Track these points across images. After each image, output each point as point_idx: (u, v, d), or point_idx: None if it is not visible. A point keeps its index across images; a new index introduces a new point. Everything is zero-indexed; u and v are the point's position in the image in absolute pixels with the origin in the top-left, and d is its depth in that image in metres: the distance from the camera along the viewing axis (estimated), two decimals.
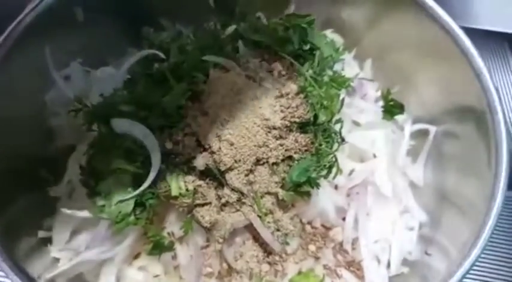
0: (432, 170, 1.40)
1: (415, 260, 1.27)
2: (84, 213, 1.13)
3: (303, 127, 1.15)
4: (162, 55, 1.24)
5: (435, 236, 1.26)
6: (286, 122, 1.12)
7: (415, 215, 1.33)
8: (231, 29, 1.31)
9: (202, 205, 1.11)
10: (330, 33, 1.49)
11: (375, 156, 1.29)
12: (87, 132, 1.18)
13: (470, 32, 1.26)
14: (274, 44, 1.25)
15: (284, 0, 1.54)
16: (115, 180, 1.08)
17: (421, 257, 1.26)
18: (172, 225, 1.15)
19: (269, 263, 1.14)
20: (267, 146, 1.10)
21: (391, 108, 1.44)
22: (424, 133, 1.41)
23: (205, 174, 1.12)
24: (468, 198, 1.21)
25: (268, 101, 1.13)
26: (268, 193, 1.11)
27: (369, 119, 1.36)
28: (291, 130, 1.14)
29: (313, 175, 1.10)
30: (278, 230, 1.12)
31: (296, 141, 1.13)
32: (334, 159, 1.14)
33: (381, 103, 1.46)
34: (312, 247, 1.18)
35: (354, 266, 1.21)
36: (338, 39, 1.50)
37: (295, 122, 1.13)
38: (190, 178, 1.10)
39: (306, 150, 1.13)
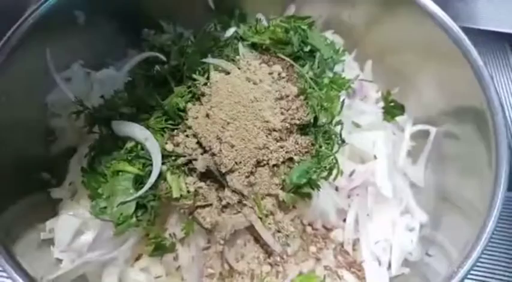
0: (432, 170, 1.40)
1: (416, 260, 1.27)
2: (87, 215, 1.14)
3: (303, 129, 1.16)
4: (162, 57, 1.24)
5: (436, 236, 1.27)
6: (287, 124, 1.12)
7: (416, 215, 1.34)
8: (230, 31, 1.32)
9: (204, 207, 1.11)
10: (330, 35, 1.49)
11: (375, 157, 1.29)
12: (88, 134, 1.19)
13: (470, 33, 1.26)
14: (274, 45, 1.26)
15: (284, 1, 1.55)
16: (116, 182, 1.09)
17: (422, 257, 1.26)
18: (174, 227, 1.15)
19: (270, 264, 1.14)
20: (268, 148, 1.10)
21: (392, 110, 1.44)
22: (424, 134, 1.41)
23: (206, 176, 1.13)
24: (468, 198, 1.22)
25: (268, 103, 1.13)
26: (269, 195, 1.12)
27: (369, 120, 1.36)
28: (291, 132, 1.14)
29: (314, 177, 1.11)
30: (279, 231, 1.13)
31: (296, 143, 1.13)
32: (334, 161, 1.14)
33: (381, 104, 1.47)
34: (312, 248, 1.18)
35: (355, 267, 1.21)
36: (338, 41, 1.51)
37: (295, 124, 1.14)
38: (191, 180, 1.11)
39: (306, 152, 1.13)
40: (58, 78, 1.28)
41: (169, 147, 1.11)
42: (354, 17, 1.52)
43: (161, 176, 1.10)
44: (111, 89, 1.22)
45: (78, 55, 1.39)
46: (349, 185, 1.25)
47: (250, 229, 1.13)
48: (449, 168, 1.35)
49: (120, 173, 1.10)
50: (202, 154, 1.11)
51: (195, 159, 1.10)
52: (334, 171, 1.14)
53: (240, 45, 1.26)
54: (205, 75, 1.18)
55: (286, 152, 1.12)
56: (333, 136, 1.17)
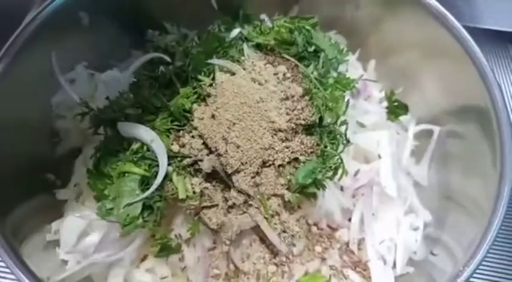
0: (436, 170, 1.40)
1: (421, 259, 1.27)
2: (92, 216, 1.14)
3: (308, 129, 1.16)
4: (167, 58, 1.24)
5: (440, 236, 1.27)
6: (292, 124, 1.13)
7: (420, 214, 1.34)
8: (235, 31, 1.32)
9: (209, 207, 1.11)
10: (333, 35, 1.50)
11: (379, 156, 1.29)
12: (93, 135, 1.19)
13: (472, 32, 1.27)
14: (279, 46, 1.26)
15: (287, 2, 1.55)
16: (123, 183, 1.09)
17: (427, 257, 1.26)
18: (180, 228, 1.16)
19: (276, 264, 1.14)
20: (273, 148, 1.11)
21: (395, 109, 1.45)
22: (428, 133, 1.42)
23: (212, 176, 1.13)
24: (473, 197, 1.22)
25: (273, 104, 1.13)
26: (275, 195, 1.12)
27: (373, 120, 1.37)
28: (296, 132, 1.15)
29: (319, 177, 1.11)
30: (284, 231, 1.13)
31: (302, 143, 1.13)
32: (339, 161, 1.14)
33: (385, 104, 1.47)
34: (318, 248, 1.18)
35: (360, 267, 1.21)
36: (342, 40, 1.51)
37: (300, 124, 1.14)
38: (197, 180, 1.11)
39: (311, 152, 1.14)
40: (63, 80, 1.28)
41: (175, 148, 1.11)
42: (357, 17, 1.52)
43: (167, 177, 1.10)
44: (115, 90, 1.21)
45: (82, 56, 1.40)
46: (354, 184, 1.25)
47: (256, 229, 1.13)
48: (453, 167, 1.36)
49: (126, 174, 1.10)
50: (208, 155, 1.11)
51: (201, 160, 1.10)
52: (340, 171, 1.14)
53: (244, 46, 1.26)
54: (211, 76, 1.19)
55: (292, 152, 1.12)
56: (338, 136, 1.18)
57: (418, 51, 1.43)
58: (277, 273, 1.14)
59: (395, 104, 1.46)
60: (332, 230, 1.24)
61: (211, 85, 1.17)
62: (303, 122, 1.14)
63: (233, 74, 1.19)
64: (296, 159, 1.13)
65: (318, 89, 1.19)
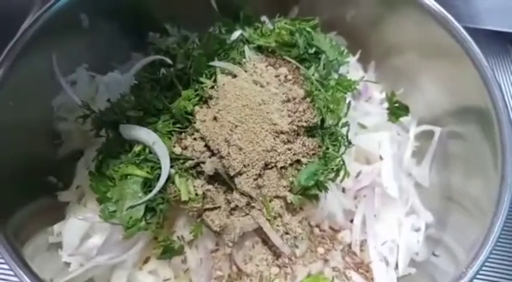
0: (437, 171, 1.41)
1: (423, 260, 1.28)
2: (95, 219, 1.14)
3: (310, 131, 1.16)
4: (168, 60, 1.24)
5: (442, 237, 1.27)
6: (294, 127, 1.13)
7: (421, 215, 1.35)
8: (236, 34, 1.32)
9: (212, 209, 1.11)
10: (334, 36, 1.50)
11: (381, 158, 1.29)
12: (95, 138, 1.19)
13: (472, 33, 1.27)
14: (280, 48, 1.26)
15: (287, 3, 1.55)
16: (125, 185, 1.09)
17: (429, 258, 1.27)
18: (182, 230, 1.16)
19: (278, 266, 1.14)
20: (275, 150, 1.11)
21: (396, 110, 1.45)
22: (429, 134, 1.42)
23: (214, 178, 1.13)
24: (474, 198, 1.22)
25: (275, 106, 1.14)
26: (277, 197, 1.12)
27: (374, 121, 1.37)
28: (298, 134, 1.15)
29: (321, 178, 1.11)
30: (287, 233, 1.13)
31: (304, 145, 1.14)
32: (341, 162, 1.15)
33: (386, 105, 1.47)
34: (320, 250, 1.18)
35: (363, 268, 1.21)
36: (342, 42, 1.51)
37: (302, 126, 1.14)
38: (199, 183, 1.11)
39: (313, 154, 1.14)
40: (64, 82, 1.28)
41: (177, 150, 1.11)
42: (357, 18, 1.53)
43: (169, 179, 1.10)
44: (116, 93, 1.22)
45: (83, 59, 1.40)
46: (356, 186, 1.25)
47: (259, 231, 1.13)
48: (454, 168, 1.36)
49: (129, 177, 1.10)
50: (210, 157, 1.11)
51: (203, 162, 1.11)
52: (341, 173, 1.15)
53: (246, 48, 1.26)
54: (212, 78, 1.19)
55: (294, 154, 1.12)
56: (340, 138, 1.18)
57: (418, 52, 1.44)
58: (280, 275, 1.14)
59: (396, 105, 1.46)
60: (334, 232, 1.24)
61: (212, 87, 1.17)
62: (304, 124, 1.14)
63: (234, 76, 1.19)
64: (298, 161, 1.13)
65: (319, 90, 1.19)
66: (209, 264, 1.14)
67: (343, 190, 1.25)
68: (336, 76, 1.29)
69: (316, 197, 1.14)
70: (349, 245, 1.24)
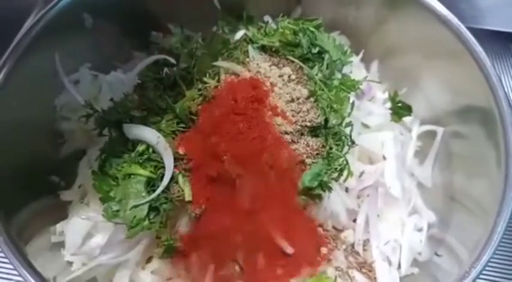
0: (440, 170, 1.41)
1: (425, 260, 1.28)
2: (97, 218, 1.14)
3: (313, 131, 1.17)
4: (172, 60, 1.24)
5: (445, 236, 1.27)
6: (298, 127, 1.13)
7: (424, 215, 1.35)
8: (240, 33, 1.32)
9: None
10: (337, 35, 1.50)
11: (384, 158, 1.29)
12: (98, 137, 1.19)
13: (474, 32, 1.27)
14: (284, 48, 1.26)
15: (290, 3, 1.55)
16: (129, 185, 1.09)
17: (431, 257, 1.27)
18: (185, 229, 1.15)
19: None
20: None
21: (399, 110, 1.45)
22: (431, 134, 1.42)
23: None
24: (477, 198, 1.22)
25: (279, 106, 1.14)
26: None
27: (377, 121, 1.37)
28: (302, 134, 1.15)
29: (325, 179, 1.11)
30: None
31: (307, 145, 1.14)
32: (345, 162, 1.15)
33: (389, 105, 1.47)
34: (323, 249, 1.18)
35: (366, 268, 1.22)
36: (345, 41, 1.51)
37: (306, 126, 1.14)
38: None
39: (317, 154, 1.14)
40: (67, 82, 1.28)
41: (180, 150, 1.11)
42: (360, 18, 1.53)
43: (173, 178, 1.10)
44: (119, 92, 1.21)
45: (86, 58, 1.40)
46: (359, 185, 1.25)
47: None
48: (456, 168, 1.36)
49: (132, 176, 1.10)
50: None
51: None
52: (345, 173, 1.15)
53: (249, 47, 1.26)
54: (216, 78, 1.19)
55: (298, 155, 1.12)
56: (343, 137, 1.18)
57: (420, 52, 1.43)
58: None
59: (399, 105, 1.46)
60: (337, 231, 1.24)
61: (216, 87, 1.17)
62: (308, 124, 1.14)
63: (238, 76, 1.19)
64: (302, 162, 1.13)
65: (323, 90, 1.19)
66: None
67: (347, 190, 1.25)
68: (339, 76, 1.28)
69: (319, 197, 1.14)
70: (352, 245, 1.24)
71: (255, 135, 1.09)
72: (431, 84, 1.43)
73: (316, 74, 1.22)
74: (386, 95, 1.50)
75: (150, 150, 1.12)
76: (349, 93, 1.25)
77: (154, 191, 1.09)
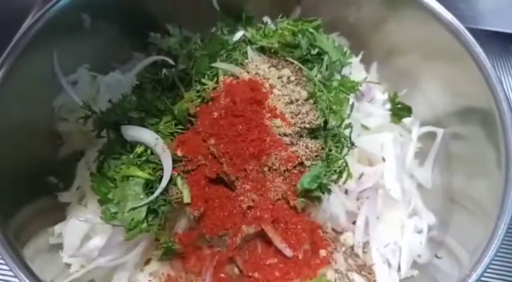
0: (440, 172, 1.40)
1: (425, 262, 1.28)
2: (96, 220, 1.14)
3: (313, 133, 1.16)
4: (170, 61, 1.24)
5: (445, 238, 1.27)
6: (297, 128, 1.12)
7: (424, 217, 1.34)
8: (238, 34, 1.31)
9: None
10: (336, 36, 1.49)
11: (383, 159, 1.29)
12: (96, 138, 1.18)
13: (473, 33, 1.26)
14: (283, 49, 1.25)
15: (289, 3, 1.55)
16: (127, 187, 1.08)
17: (431, 260, 1.26)
18: (183, 231, 1.15)
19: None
20: (278, 153, 1.10)
21: (399, 111, 1.45)
22: (431, 135, 1.42)
23: (217, 181, 1.12)
24: (478, 200, 1.22)
25: (278, 108, 1.13)
26: (280, 199, 1.11)
27: (377, 122, 1.37)
28: (301, 136, 1.14)
29: (325, 181, 1.10)
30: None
31: (306, 147, 1.13)
32: (344, 164, 1.14)
33: (388, 106, 1.46)
34: (323, 252, 1.17)
35: (365, 270, 1.21)
36: (344, 42, 1.51)
37: (305, 127, 1.14)
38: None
39: (316, 156, 1.13)
40: (64, 82, 1.27)
41: (179, 152, 1.10)
42: (359, 19, 1.52)
43: (171, 180, 1.09)
44: (118, 93, 1.21)
45: (84, 59, 1.39)
46: (358, 187, 1.25)
47: (261, 233, 1.12)
48: (456, 169, 1.36)
49: (130, 178, 1.09)
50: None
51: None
52: (344, 175, 1.14)
53: (248, 48, 1.25)
54: (215, 80, 1.18)
55: (297, 157, 1.11)
56: (343, 139, 1.18)
57: (420, 53, 1.43)
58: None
59: (399, 106, 1.45)
60: (337, 234, 1.24)
61: (215, 89, 1.16)
62: (307, 126, 1.13)
63: (237, 77, 1.19)
64: (301, 164, 1.12)
65: (322, 92, 1.19)
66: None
67: (346, 192, 1.24)
68: (338, 77, 1.28)
69: (318, 199, 1.13)
70: (352, 247, 1.23)
71: (253, 137, 1.09)
72: (431, 85, 1.43)
73: (316, 76, 1.21)
74: (385, 96, 1.49)
75: (149, 151, 1.12)
76: (348, 94, 1.25)
77: (152, 193, 1.08)
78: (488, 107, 1.20)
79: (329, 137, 1.16)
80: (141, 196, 1.08)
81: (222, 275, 1.12)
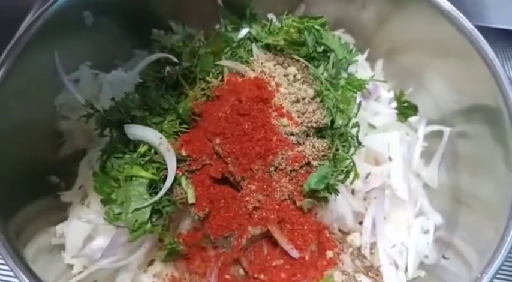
0: (447, 171, 1.39)
1: (432, 263, 1.26)
2: (98, 220, 1.12)
3: (320, 132, 1.14)
4: (174, 59, 1.22)
5: (452, 239, 1.26)
6: (304, 128, 1.11)
7: (430, 217, 1.33)
8: (243, 31, 1.29)
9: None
10: (341, 34, 1.48)
11: (390, 159, 1.27)
12: (99, 137, 1.16)
13: (480, 30, 1.25)
14: (289, 46, 1.23)
15: (293, 0, 1.53)
16: (131, 187, 1.07)
17: (439, 260, 1.25)
18: (188, 231, 1.13)
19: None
20: (285, 152, 1.08)
21: (405, 110, 1.43)
22: (438, 134, 1.40)
23: (222, 181, 1.10)
24: (485, 200, 1.21)
25: (284, 107, 1.12)
26: (286, 200, 1.10)
27: (383, 121, 1.35)
28: (308, 135, 1.13)
29: (331, 181, 1.09)
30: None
31: (313, 146, 1.11)
32: (352, 164, 1.13)
33: (394, 105, 1.45)
34: (330, 253, 1.16)
35: (373, 272, 1.20)
36: (350, 40, 1.49)
37: (312, 127, 1.12)
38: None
39: (323, 156, 1.12)
40: (66, 80, 1.26)
41: (183, 152, 1.09)
42: (364, 16, 1.50)
43: (175, 180, 1.08)
44: (120, 91, 1.19)
45: (86, 56, 1.37)
46: (365, 187, 1.23)
47: (267, 234, 1.11)
48: (463, 168, 1.34)
49: (134, 178, 1.08)
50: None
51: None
52: (351, 174, 1.13)
53: (253, 46, 1.23)
54: (219, 78, 1.16)
55: (304, 157, 1.10)
56: (350, 138, 1.16)
57: (427, 51, 1.41)
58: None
59: (405, 104, 1.43)
60: (344, 234, 1.23)
61: (220, 87, 1.15)
62: (314, 125, 1.12)
63: (242, 75, 1.17)
64: (308, 164, 1.10)
65: (329, 90, 1.17)
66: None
67: (353, 192, 1.23)
68: (345, 75, 1.26)
69: (325, 200, 1.12)
70: (359, 248, 1.22)
71: (259, 136, 1.07)
72: (437, 83, 1.41)
73: (322, 74, 1.20)
74: (391, 95, 1.48)
75: (152, 151, 1.11)
76: (355, 93, 1.23)
77: (156, 193, 1.07)
78: (496, 105, 1.19)
79: (336, 136, 1.15)
80: (145, 196, 1.07)
81: (227, 277, 1.11)
